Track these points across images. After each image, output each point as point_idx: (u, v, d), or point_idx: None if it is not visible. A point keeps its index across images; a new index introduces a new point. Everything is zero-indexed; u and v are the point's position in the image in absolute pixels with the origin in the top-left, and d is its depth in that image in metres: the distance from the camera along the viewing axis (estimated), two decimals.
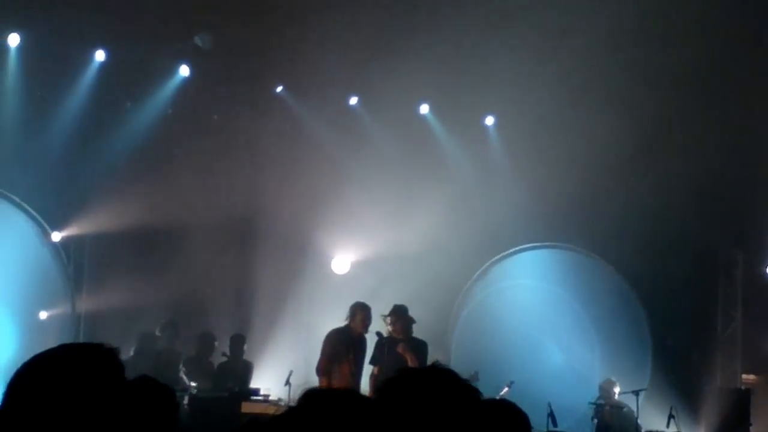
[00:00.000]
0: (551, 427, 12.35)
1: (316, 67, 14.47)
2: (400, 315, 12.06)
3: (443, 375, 2.73)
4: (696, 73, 14.12)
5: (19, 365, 2.36)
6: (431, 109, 16.00)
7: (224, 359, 13.51)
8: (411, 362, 11.48)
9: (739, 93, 14.71)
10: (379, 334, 12.03)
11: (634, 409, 13.61)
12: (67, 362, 2.37)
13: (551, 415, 12.57)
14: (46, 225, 14.25)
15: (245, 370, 13.53)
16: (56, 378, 2.31)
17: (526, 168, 15.72)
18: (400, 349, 11.78)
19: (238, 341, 13.72)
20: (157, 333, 13.58)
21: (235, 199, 15.10)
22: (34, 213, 14.14)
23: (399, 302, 12.24)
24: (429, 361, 11.68)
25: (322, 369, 11.82)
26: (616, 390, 14.17)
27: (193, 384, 12.51)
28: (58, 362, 2.37)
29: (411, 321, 12.11)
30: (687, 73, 14.15)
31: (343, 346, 11.86)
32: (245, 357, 13.79)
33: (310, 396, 2.12)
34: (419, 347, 11.96)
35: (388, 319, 12.04)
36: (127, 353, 12.87)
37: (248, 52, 14.47)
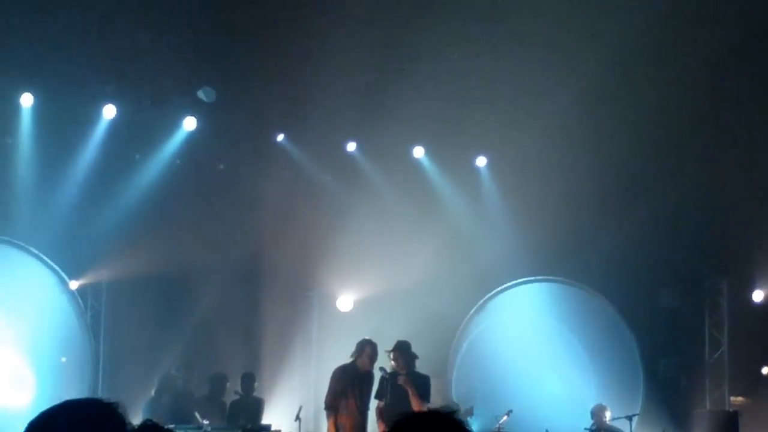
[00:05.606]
0: None
1: (314, 116, 14.70)
2: (403, 351, 12.04)
3: (446, 421, 2.70)
4: (680, 112, 14.47)
5: (38, 409, 2.52)
6: (425, 152, 16.17)
7: (236, 397, 13.72)
8: (413, 395, 11.67)
9: (722, 130, 15.08)
10: (383, 369, 12.05)
11: None
12: (74, 417, 2.46)
13: None
14: (63, 274, 14.53)
15: (256, 407, 13.68)
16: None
17: (517, 205, 15.86)
18: (401, 381, 11.81)
19: (248, 380, 13.88)
20: (173, 372, 13.79)
21: (243, 244, 15.17)
22: (52, 263, 14.43)
23: (401, 338, 12.24)
24: (432, 394, 12.05)
25: (329, 404, 11.89)
26: (608, 414, 14.07)
27: (206, 422, 12.54)
28: (66, 417, 2.45)
29: (413, 356, 12.09)
30: (671, 112, 14.47)
31: (349, 383, 11.89)
32: (256, 394, 13.98)
33: None
34: (422, 381, 11.99)
35: (392, 354, 12.04)
36: (149, 393, 13.28)
37: (249, 104, 14.75)
